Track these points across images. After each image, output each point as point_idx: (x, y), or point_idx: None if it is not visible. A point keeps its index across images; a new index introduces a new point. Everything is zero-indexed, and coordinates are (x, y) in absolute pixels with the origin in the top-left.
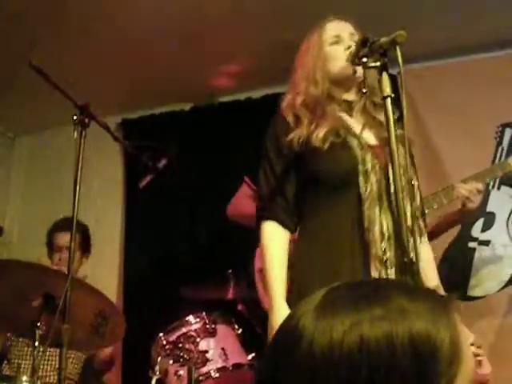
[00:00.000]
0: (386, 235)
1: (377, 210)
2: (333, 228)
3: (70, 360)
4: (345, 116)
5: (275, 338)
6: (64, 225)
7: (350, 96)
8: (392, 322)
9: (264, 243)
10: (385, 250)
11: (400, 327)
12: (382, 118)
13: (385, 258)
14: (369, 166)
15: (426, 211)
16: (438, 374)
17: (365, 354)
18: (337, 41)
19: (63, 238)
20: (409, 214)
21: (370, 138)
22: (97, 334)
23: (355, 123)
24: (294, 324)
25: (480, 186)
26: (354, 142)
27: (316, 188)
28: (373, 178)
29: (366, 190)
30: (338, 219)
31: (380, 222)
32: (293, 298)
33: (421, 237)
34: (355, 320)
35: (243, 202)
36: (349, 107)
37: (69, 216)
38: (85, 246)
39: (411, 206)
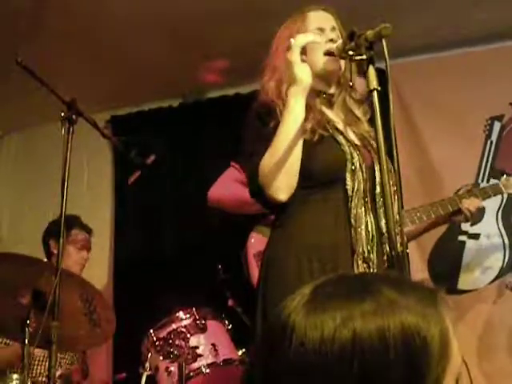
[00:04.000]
0: (370, 235)
1: (363, 209)
2: (317, 223)
3: (64, 361)
4: (326, 110)
5: (265, 334)
6: (82, 224)
7: (331, 89)
8: (384, 316)
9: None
10: (369, 250)
11: (391, 321)
12: (359, 113)
13: (368, 259)
14: (357, 164)
15: (425, 218)
16: (429, 367)
17: (357, 349)
18: (319, 34)
19: (84, 237)
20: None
21: (352, 136)
22: (92, 323)
23: (336, 118)
24: (284, 320)
25: (482, 204)
26: (341, 139)
27: (300, 182)
28: (359, 177)
29: (352, 189)
30: (323, 214)
31: (365, 222)
32: (270, 285)
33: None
34: (346, 315)
35: (229, 185)
36: (329, 101)
37: (74, 215)
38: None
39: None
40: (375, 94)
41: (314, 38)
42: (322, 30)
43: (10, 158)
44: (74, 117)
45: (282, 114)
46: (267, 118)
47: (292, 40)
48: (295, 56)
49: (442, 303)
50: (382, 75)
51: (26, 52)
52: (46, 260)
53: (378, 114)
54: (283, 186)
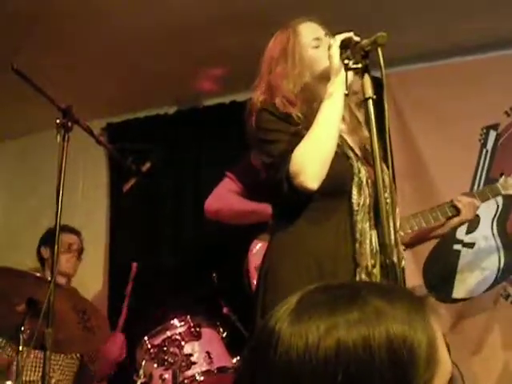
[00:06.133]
0: (374, 250)
1: (368, 224)
2: (318, 233)
3: (58, 367)
4: None
5: (253, 342)
6: (71, 228)
7: None
8: (369, 325)
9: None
10: (373, 265)
11: (377, 330)
12: (360, 116)
13: (371, 272)
14: (363, 178)
15: (424, 225)
16: (416, 376)
17: (341, 358)
18: (318, 44)
19: (73, 239)
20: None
21: (358, 151)
22: (86, 330)
23: (343, 124)
24: (271, 328)
25: (478, 203)
26: (350, 153)
27: None
28: (366, 191)
29: (358, 202)
30: (324, 225)
31: (370, 236)
32: (270, 293)
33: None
34: (331, 323)
35: (225, 196)
36: None
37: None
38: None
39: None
40: (370, 102)
41: (351, 35)
42: (318, 39)
43: (6, 165)
44: (69, 124)
45: (300, 119)
46: (289, 120)
47: (331, 40)
48: (335, 50)
49: (429, 310)
50: (377, 84)
51: (22, 58)
52: (38, 273)
53: (374, 123)
54: (317, 175)
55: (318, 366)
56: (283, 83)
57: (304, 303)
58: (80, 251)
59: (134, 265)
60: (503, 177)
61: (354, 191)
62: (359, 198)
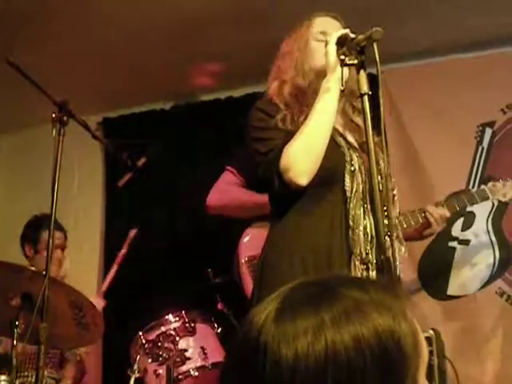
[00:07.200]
0: (369, 237)
1: (361, 210)
2: (313, 225)
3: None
4: None
5: (236, 352)
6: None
7: None
8: (355, 322)
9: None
10: (368, 252)
11: (365, 327)
12: (359, 121)
13: (367, 260)
14: (356, 166)
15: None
16: (406, 368)
17: (332, 363)
18: (321, 38)
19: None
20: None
21: (351, 139)
22: (81, 327)
23: (336, 123)
24: (255, 337)
25: (448, 214)
26: (341, 141)
27: None
28: (358, 178)
29: (351, 190)
30: (319, 217)
31: (363, 223)
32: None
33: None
34: (317, 326)
35: (227, 189)
36: None
37: (46, 214)
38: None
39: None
40: (366, 98)
41: (347, 32)
42: (324, 33)
43: (2, 158)
44: (65, 118)
45: (282, 109)
46: (271, 112)
47: (328, 36)
48: (331, 46)
49: (404, 297)
50: (373, 80)
51: (19, 53)
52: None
53: (369, 118)
54: (307, 170)
55: (308, 374)
56: (287, 66)
57: (285, 306)
58: (62, 248)
59: (133, 231)
60: (491, 182)
61: (347, 179)
62: (352, 185)
